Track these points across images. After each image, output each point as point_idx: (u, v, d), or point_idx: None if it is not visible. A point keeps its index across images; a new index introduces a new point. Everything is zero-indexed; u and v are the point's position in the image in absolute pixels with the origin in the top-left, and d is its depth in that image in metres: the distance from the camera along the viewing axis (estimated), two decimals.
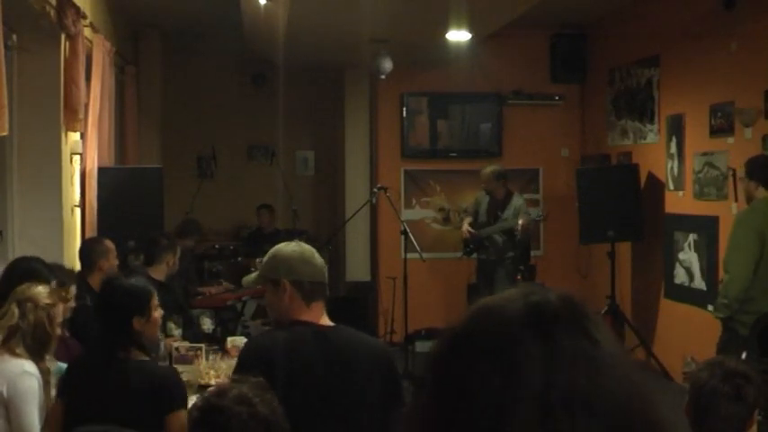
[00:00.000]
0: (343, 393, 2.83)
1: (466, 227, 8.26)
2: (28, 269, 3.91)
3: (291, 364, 2.82)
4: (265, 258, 3.04)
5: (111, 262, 5.13)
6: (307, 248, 3.01)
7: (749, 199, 5.34)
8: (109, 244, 5.19)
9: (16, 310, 3.37)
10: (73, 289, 3.79)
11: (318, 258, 3.01)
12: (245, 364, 2.84)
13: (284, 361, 2.82)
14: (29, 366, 3.31)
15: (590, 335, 0.94)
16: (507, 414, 0.88)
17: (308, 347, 2.87)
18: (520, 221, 7.71)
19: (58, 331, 3.54)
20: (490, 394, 0.90)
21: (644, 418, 0.93)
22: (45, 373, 3.37)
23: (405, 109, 9.38)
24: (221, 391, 2.30)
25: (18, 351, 3.33)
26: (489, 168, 8.16)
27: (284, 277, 2.92)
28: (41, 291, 3.46)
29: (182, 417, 3.06)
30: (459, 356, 0.95)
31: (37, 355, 3.38)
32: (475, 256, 8.23)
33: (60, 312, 3.53)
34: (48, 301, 3.44)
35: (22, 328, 3.35)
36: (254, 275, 3.21)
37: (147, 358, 3.28)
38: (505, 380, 0.90)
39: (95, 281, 4.99)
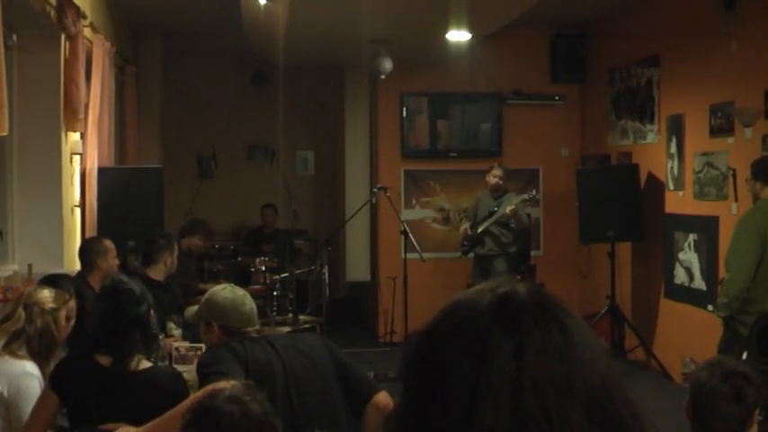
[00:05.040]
0: (313, 378, 3.18)
1: (464, 226, 8.29)
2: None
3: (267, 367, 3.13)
4: (203, 299, 3.43)
5: (111, 262, 5.12)
6: (239, 296, 3.37)
7: (755, 199, 5.34)
8: (108, 244, 5.18)
9: (23, 314, 3.35)
10: (72, 303, 3.72)
11: (248, 304, 3.37)
12: (224, 360, 3.06)
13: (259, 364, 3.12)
14: (30, 367, 3.29)
15: (560, 322, 0.96)
16: (480, 399, 0.90)
17: (269, 349, 3.20)
18: (508, 208, 7.75)
19: (63, 335, 3.52)
20: (463, 383, 0.92)
21: (617, 399, 0.95)
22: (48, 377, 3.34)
23: (405, 109, 9.38)
24: (212, 393, 2.29)
25: (20, 353, 3.31)
26: (504, 167, 8.22)
27: (215, 321, 3.31)
28: (47, 295, 3.45)
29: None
30: (432, 352, 0.97)
31: (42, 359, 3.36)
32: (472, 255, 8.24)
33: (64, 317, 3.51)
34: (53, 305, 3.43)
35: (28, 332, 3.33)
36: (194, 310, 3.52)
37: (150, 364, 3.24)
38: (477, 369, 0.92)
39: (95, 280, 4.99)
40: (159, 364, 3.76)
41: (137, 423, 2.93)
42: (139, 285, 3.34)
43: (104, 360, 3.14)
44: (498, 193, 8.15)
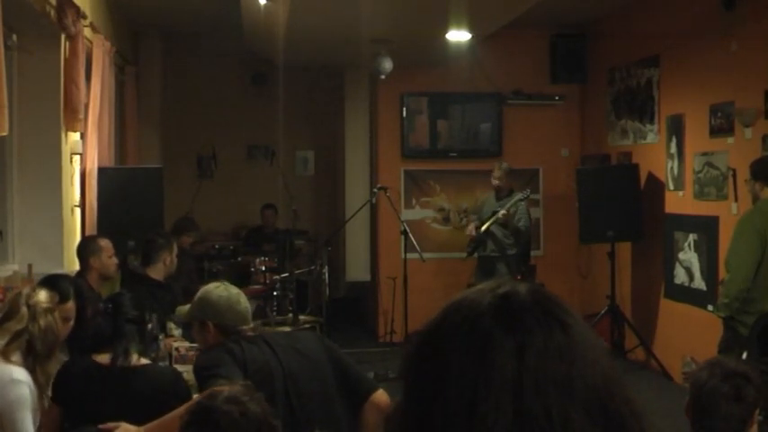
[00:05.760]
0: (312, 375, 3.16)
1: (471, 227, 8.27)
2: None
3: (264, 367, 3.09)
4: (195, 298, 3.34)
5: (105, 261, 5.11)
6: (233, 294, 3.30)
7: (755, 199, 5.34)
8: (102, 243, 5.18)
9: (27, 313, 3.34)
10: (70, 304, 3.71)
11: (243, 302, 3.30)
12: (223, 363, 3.02)
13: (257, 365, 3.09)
14: (17, 374, 3.22)
15: (561, 322, 0.95)
16: (481, 399, 0.90)
17: (266, 349, 3.16)
18: (501, 212, 7.77)
19: (62, 336, 3.51)
20: (464, 383, 0.91)
21: (618, 398, 0.94)
22: (49, 376, 3.32)
23: (405, 109, 9.38)
24: (211, 394, 2.30)
25: (13, 358, 3.27)
26: (505, 164, 8.21)
27: (210, 320, 3.23)
28: (44, 295, 3.44)
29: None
30: (433, 352, 0.97)
31: (44, 359, 3.34)
32: (476, 255, 8.24)
33: (58, 316, 3.50)
34: (49, 305, 3.42)
35: (31, 332, 3.30)
36: (187, 309, 3.44)
37: (149, 361, 3.29)
38: (478, 369, 0.91)
39: (92, 279, 5.00)
40: (160, 364, 3.80)
41: (137, 419, 2.96)
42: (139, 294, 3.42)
43: (103, 359, 3.16)
44: (502, 193, 8.14)
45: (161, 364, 3.94)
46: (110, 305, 3.31)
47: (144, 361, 3.26)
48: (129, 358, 3.18)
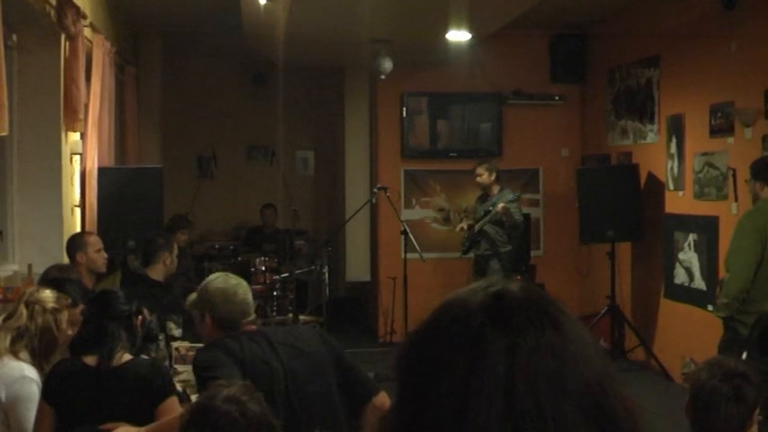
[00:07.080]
0: (310, 371, 3.14)
1: (461, 225, 8.27)
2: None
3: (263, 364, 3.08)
4: (199, 287, 3.34)
5: (91, 255, 5.10)
6: (231, 285, 3.25)
7: (755, 199, 5.34)
8: (90, 238, 5.18)
9: (24, 311, 3.35)
10: (78, 309, 3.71)
11: (241, 294, 3.24)
12: (222, 363, 2.99)
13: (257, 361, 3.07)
14: (28, 371, 3.26)
15: (553, 320, 0.95)
16: (473, 397, 0.90)
17: (264, 346, 3.13)
18: (500, 205, 7.71)
19: (64, 338, 3.51)
20: (456, 381, 0.91)
21: (611, 395, 0.94)
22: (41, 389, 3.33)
23: (405, 109, 9.38)
24: (211, 394, 2.30)
25: (22, 356, 3.29)
26: (486, 164, 8.15)
27: (207, 313, 3.22)
28: (49, 295, 3.44)
29: (172, 403, 3.08)
30: (424, 352, 0.97)
31: (42, 358, 3.35)
32: (472, 254, 8.22)
33: (65, 319, 3.50)
34: (54, 305, 3.42)
35: (30, 330, 3.32)
36: (193, 299, 3.40)
37: (131, 357, 3.29)
38: (470, 367, 0.91)
39: (81, 274, 5.00)
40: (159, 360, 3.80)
41: (123, 416, 2.98)
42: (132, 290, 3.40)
43: (90, 360, 3.16)
44: (489, 191, 8.09)
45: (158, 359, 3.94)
46: (92, 308, 3.29)
47: (127, 356, 3.25)
48: (112, 360, 3.15)
